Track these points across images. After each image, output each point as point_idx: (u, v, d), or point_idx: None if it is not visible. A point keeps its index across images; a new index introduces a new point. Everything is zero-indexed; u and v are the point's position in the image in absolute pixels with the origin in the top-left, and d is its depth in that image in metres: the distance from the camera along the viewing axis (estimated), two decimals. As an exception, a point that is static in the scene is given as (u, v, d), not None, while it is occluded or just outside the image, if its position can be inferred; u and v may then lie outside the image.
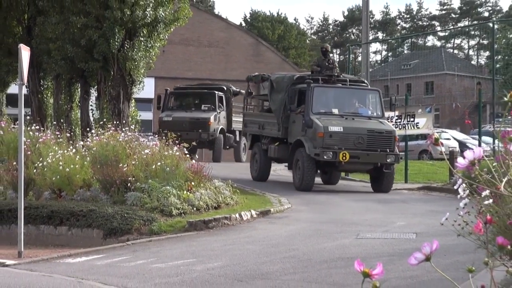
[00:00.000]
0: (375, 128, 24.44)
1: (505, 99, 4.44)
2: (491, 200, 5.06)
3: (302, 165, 24.37)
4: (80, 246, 16.96)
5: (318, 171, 26.97)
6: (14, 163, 19.58)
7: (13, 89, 33.25)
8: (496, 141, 17.39)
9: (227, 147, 41.19)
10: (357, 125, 24.51)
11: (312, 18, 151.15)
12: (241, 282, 11.96)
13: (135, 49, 28.33)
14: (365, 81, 28.76)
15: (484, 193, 5.06)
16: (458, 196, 5.61)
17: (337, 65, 27.76)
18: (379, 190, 25.32)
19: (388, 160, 24.21)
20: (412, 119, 29.14)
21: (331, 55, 27.45)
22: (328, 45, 29.26)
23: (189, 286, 11.85)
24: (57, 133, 23.45)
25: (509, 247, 4.00)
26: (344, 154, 23.38)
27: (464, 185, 5.18)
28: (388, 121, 27.35)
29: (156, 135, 29.68)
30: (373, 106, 26.23)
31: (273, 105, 27.16)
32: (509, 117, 20.02)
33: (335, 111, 25.30)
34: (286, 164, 28.84)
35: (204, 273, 12.85)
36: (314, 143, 23.84)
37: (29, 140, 21.30)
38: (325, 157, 23.61)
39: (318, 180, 27.74)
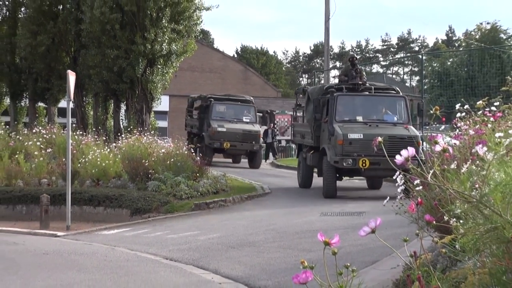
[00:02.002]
0: (397, 134, 19.05)
1: (431, 112, 4.45)
2: (421, 187, 5.06)
3: (324, 172, 19.91)
4: (112, 221, 16.93)
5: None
6: (63, 159, 19.52)
7: (62, 104, 33.12)
8: (425, 143, 17.57)
9: None
10: (379, 131, 18.97)
11: (287, 51, 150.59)
12: (233, 248, 11.95)
13: (154, 74, 28.32)
14: (396, 88, 23.00)
15: (415, 182, 5.07)
16: (396, 184, 5.62)
17: (364, 74, 22.84)
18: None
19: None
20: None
21: (359, 66, 22.50)
22: (355, 55, 23.96)
23: (194, 251, 11.83)
24: (95, 137, 23.41)
25: (434, 222, 4.01)
26: (364, 161, 18.82)
27: (401, 176, 5.19)
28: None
29: (212, 143, 29.73)
30: (399, 112, 20.99)
31: (307, 115, 23.02)
32: (434, 125, 20.26)
33: (359, 118, 20.51)
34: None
35: (206, 242, 12.83)
36: (336, 151, 19.27)
37: (74, 142, 21.24)
38: (344, 164, 19.01)
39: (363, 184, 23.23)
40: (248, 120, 31.92)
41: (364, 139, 18.76)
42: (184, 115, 37.89)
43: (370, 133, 18.92)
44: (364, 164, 18.77)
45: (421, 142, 18.45)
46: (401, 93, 21.95)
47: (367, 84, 21.85)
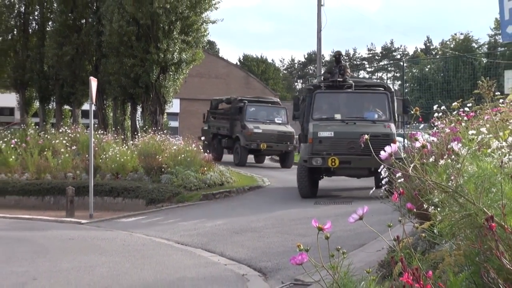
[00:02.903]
0: (371, 132, 14.30)
1: (412, 112, 4.45)
2: (402, 179, 5.05)
3: (297, 172, 17.44)
4: (130, 210, 16.93)
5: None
6: (86, 155, 19.51)
7: (85, 106, 33.09)
8: (406, 140, 17.41)
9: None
10: (352, 129, 16.47)
11: (283, 59, 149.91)
12: (237, 233, 11.96)
13: (167, 80, 28.24)
14: (386, 84, 19.60)
15: (398, 174, 5.06)
16: (381, 176, 5.62)
17: (348, 70, 19.11)
18: None
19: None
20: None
21: (344, 63, 19.44)
22: (340, 51, 20.10)
23: (202, 236, 11.83)
24: (115, 135, 23.41)
25: (414, 210, 4.00)
26: (333, 160, 16.06)
27: (385, 169, 5.18)
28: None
29: (249, 145, 26.82)
30: (381, 109, 17.48)
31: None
32: (414, 124, 20.04)
33: (338, 116, 17.50)
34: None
35: (213, 228, 12.83)
36: (308, 149, 16.77)
37: (96, 140, 21.24)
38: (313, 163, 16.29)
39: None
40: (280, 121, 28.97)
41: (335, 137, 16.42)
42: (192, 116, 37.05)
43: (342, 131, 16.51)
44: (333, 163, 16.04)
45: (396, 140, 15.39)
46: (389, 89, 18.48)
47: (350, 81, 18.44)
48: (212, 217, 14.49)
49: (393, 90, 18.68)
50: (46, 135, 23.94)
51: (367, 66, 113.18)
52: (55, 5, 33.78)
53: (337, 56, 19.23)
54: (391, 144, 3.49)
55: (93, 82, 16.10)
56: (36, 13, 35.13)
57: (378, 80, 24.14)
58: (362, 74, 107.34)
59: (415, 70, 66.69)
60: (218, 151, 29.51)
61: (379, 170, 5.58)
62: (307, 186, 17.05)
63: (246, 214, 14.52)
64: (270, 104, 30.50)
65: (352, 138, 15.81)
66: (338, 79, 18.19)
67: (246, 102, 29.04)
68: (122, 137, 24.20)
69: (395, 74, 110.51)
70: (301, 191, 17.20)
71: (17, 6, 34.77)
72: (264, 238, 11.25)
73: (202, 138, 27.17)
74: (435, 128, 7.61)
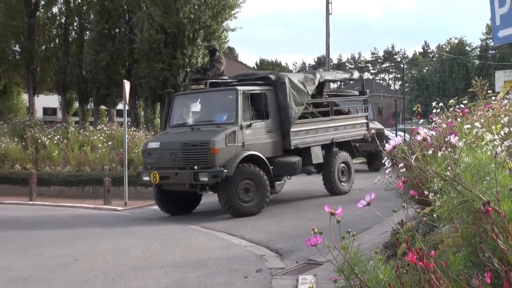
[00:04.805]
0: (190, 141, 12.11)
1: (414, 109, 4.43)
2: (404, 169, 5.03)
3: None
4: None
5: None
6: (121, 150, 19.58)
7: (120, 106, 33.29)
8: (407, 134, 17.19)
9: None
10: (177, 138, 12.55)
11: (296, 63, 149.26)
12: (256, 218, 11.96)
13: (192, 82, 28.38)
14: (275, 75, 13.93)
15: (400, 165, 5.05)
16: (385, 167, 5.60)
17: (218, 66, 13.94)
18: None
19: (201, 179, 11.68)
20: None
21: (217, 53, 14.89)
22: (215, 45, 15.60)
23: (224, 221, 11.80)
24: (146, 132, 23.48)
25: (416, 196, 3.99)
26: (154, 175, 12.21)
27: (388, 160, 5.17)
28: None
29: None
30: (230, 110, 12.65)
31: None
32: (415, 120, 19.67)
33: (190, 121, 13.56)
34: None
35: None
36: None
37: (129, 137, 21.31)
38: (143, 178, 12.76)
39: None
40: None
41: (160, 149, 12.60)
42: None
43: (167, 141, 12.71)
44: (155, 179, 12.27)
45: (217, 149, 11.73)
46: (278, 81, 13.56)
47: (209, 79, 13.52)
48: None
49: (284, 81, 13.55)
50: (85, 132, 24.04)
51: (371, 68, 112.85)
52: (92, 16, 34.03)
53: (210, 49, 14.88)
54: (394, 139, 3.46)
55: (126, 85, 16.15)
56: (75, 23, 35.41)
57: (276, 72, 16.59)
58: (366, 75, 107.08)
59: (414, 72, 66.29)
60: None
61: (383, 161, 5.55)
62: (158, 205, 13.35)
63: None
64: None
65: (173, 149, 12.32)
66: (193, 77, 14.34)
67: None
68: (152, 133, 24.28)
69: (396, 75, 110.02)
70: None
71: (58, 18, 35.04)
72: (280, 222, 11.25)
73: None
74: (433, 123, 7.58)
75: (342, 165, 15.07)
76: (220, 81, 13.54)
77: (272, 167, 12.81)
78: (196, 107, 13.90)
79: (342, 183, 15.02)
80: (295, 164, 13.49)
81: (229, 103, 12.78)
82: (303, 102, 13.96)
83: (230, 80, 13.90)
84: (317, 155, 14.47)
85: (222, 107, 13.03)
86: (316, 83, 14.64)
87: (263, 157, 12.63)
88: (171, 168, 12.23)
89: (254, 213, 12.26)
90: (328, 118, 15.07)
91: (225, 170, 11.77)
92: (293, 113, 13.50)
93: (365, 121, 16.18)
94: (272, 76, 13.88)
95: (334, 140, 15.00)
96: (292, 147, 13.54)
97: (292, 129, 13.52)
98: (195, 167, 11.85)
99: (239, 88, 12.89)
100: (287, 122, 13.41)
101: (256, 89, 13.26)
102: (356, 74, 17.35)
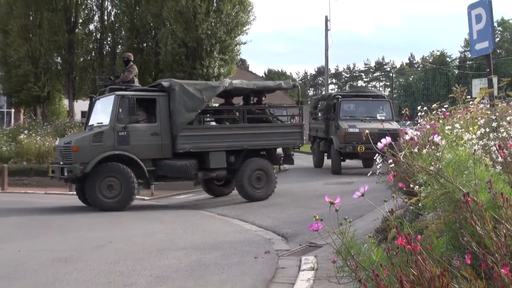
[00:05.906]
0: (68, 140, 12.19)
1: (402, 112, 4.42)
2: (393, 164, 5.02)
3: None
4: (182, 189, 16.92)
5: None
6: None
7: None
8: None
9: None
10: (68, 138, 13.20)
11: (298, 72, 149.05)
12: (264, 207, 11.96)
13: (209, 89, 28.37)
14: (167, 82, 12.87)
15: (390, 161, 5.03)
16: (376, 162, 5.58)
17: (127, 74, 13.68)
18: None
19: (64, 174, 11.79)
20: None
21: (131, 63, 14.13)
22: (129, 54, 14.86)
23: (237, 209, 11.83)
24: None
25: (404, 188, 3.97)
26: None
27: (380, 156, 5.15)
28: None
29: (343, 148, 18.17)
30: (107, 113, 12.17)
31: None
32: (402, 122, 19.47)
33: (90, 122, 13.11)
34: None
35: (246, 203, 12.85)
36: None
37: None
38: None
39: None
40: (383, 117, 18.76)
41: (57, 146, 13.14)
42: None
43: (62, 140, 13.40)
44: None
45: (77, 147, 11.67)
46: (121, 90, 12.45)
47: (110, 84, 13.15)
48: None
49: (175, 87, 12.51)
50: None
51: (364, 76, 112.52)
52: (123, 32, 34.13)
53: (125, 59, 14.23)
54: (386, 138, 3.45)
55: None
56: (108, 39, 35.45)
57: (171, 79, 13.25)
58: (360, 82, 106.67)
59: (401, 80, 66.10)
60: (318, 157, 21.71)
61: (374, 158, 5.53)
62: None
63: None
64: (370, 98, 20.38)
65: (60, 147, 12.55)
66: (99, 83, 14.38)
67: (340, 97, 19.54)
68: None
69: (385, 83, 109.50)
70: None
71: (94, 34, 35.21)
72: (285, 210, 11.24)
73: None
74: (418, 125, 7.54)
75: (258, 172, 13.15)
76: (120, 87, 12.71)
77: (154, 168, 12.14)
78: (97, 110, 12.98)
79: (257, 190, 13.13)
80: (185, 167, 12.31)
81: (110, 107, 12.10)
82: (197, 108, 12.52)
83: (136, 86, 13.19)
84: (218, 160, 12.79)
85: (106, 110, 12.33)
86: (218, 91, 13.26)
87: (135, 157, 11.87)
88: (57, 163, 12.32)
89: (120, 209, 11.76)
90: (240, 125, 13.26)
91: (81, 167, 11.51)
92: (182, 118, 12.34)
93: (299, 130, 13.92)
94: (164, 83, 12.80)
95: (246, 147, 13.07)
96: (181, 151, 12.27)
97: (182, 133, 12.31)
98: (61, 163, 12.01)
99: (118, 93, 12.10)
100: (175, 126, 12.32)
101: (145, 94, 12.48)
102: (288, 84, 15.15)
